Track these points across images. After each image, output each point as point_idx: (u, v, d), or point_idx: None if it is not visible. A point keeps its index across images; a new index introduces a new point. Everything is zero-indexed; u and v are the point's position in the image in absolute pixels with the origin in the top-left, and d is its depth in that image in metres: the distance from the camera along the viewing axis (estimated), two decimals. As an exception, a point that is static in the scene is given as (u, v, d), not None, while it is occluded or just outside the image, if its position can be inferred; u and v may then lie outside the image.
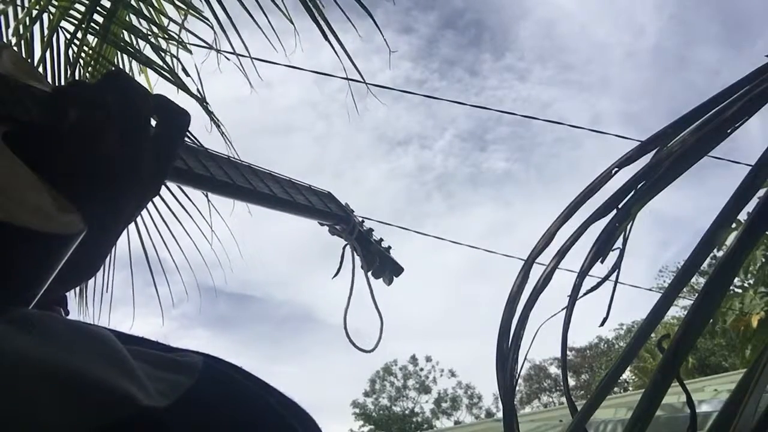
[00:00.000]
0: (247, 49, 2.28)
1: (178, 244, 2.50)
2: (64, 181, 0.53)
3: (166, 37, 2.47)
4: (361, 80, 2.17)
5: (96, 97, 0.59)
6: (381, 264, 1.16)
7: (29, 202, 0.47)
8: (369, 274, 1.14)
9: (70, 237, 0.47)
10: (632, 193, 0.93)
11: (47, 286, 0.48)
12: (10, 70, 0.61)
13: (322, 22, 2.06)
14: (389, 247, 1.20)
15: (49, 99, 0.58)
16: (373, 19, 1.99)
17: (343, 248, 1.12)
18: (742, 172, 0.74)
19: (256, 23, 2.16)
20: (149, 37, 2.46)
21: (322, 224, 1.09)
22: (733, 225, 0.77)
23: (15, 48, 2.23)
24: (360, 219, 1.14)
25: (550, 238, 1.00)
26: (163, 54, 2.47)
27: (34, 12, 2.32)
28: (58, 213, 0.48)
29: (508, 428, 0.93)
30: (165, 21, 2.48)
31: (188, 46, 2.44)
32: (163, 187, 0.67)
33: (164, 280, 2.53)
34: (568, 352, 0.98)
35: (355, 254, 1.12)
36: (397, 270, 1.19)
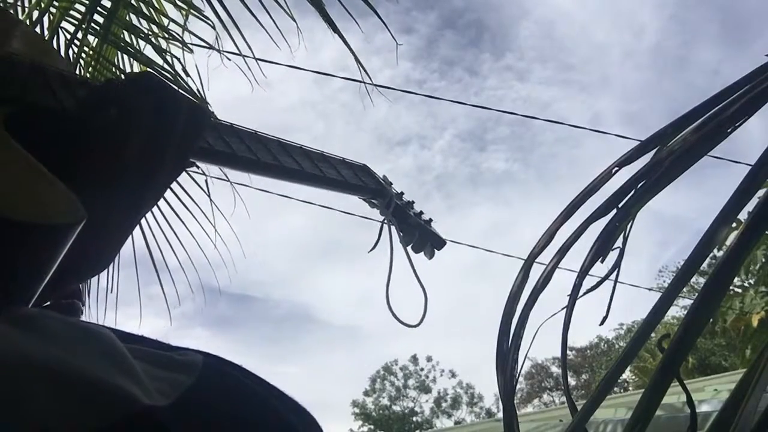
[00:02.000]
0: (250, 49, 2.29)
1: (181, 243, 2.51)
2: (79, 167, 0.53)
3: (167, 37, 2.47)
4: (364, 79, 2.17)
5: (121, 94, 0.58)
6: (421, 237, 1.11)
7: (23, 193, 0.46)
8: (409, 248, 1.10)
9: (69, 227, 0.46)
10: (632, 192, 0.93)
11: (63, 277, 0.48)
12: (19, 49, 0.60)
13: (326, 18, 2.06)
14: (430, 220, 1.15)
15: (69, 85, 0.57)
16: (379, 16, 1.99)
17: (381, 222, 1.08)
18: (742, 172, 0.74)
19: (259, 22, 2.17)
20: (150, 37, 2.46)
21: (361, 198, 1.06)
22: (734, 225, 0.77)
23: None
24: (398, 191, 1.11)
25: (550, 238, 1.00)
26: (163, 54, 2.47)
27: (35, 13, 2.32)
28: (53, 202, 0.46)
29: (508, 428, 0.93)
30: (165, 21, 2.48)
31: (189, 45, 2.44)
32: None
33: (166, 280, 2.54)
34: (568, 352, 0.99)
35: (392, 228, 1.08)
36: (439, 243, 1.14)
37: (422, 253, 1.13)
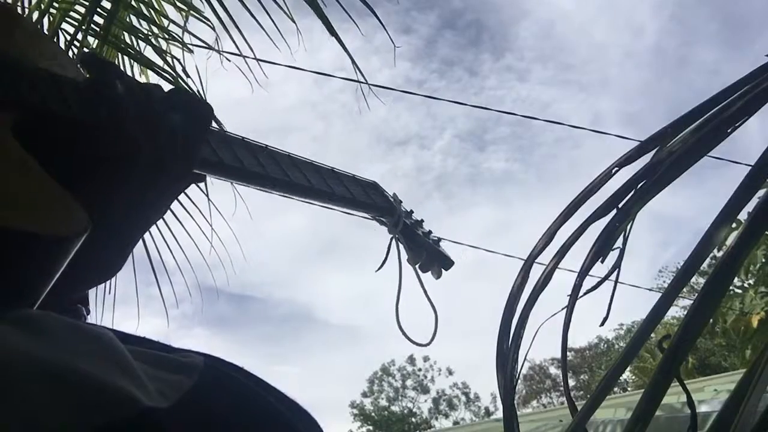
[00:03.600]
0: (251, 49, 2.29)
1: (179, 244, 2.51)
2: (86, 174, 0.53)
3: (167, 38, 2.47)
4: (363, 80, 2.17)
5: (121, 95, 0.58)
6: (429, 257, 1.11)
7: (30, 203, 0.46)
8: (417, 267, 1.10)
9: (72, 238, 0.46)
10: (632, 193, 0.93)
11: (68, 285, 0.48)
12: (24, 50, 0.59)
13: (323, 20, 2.06)
14: (439, 239, 1.15)
15: (73, 89, 0.56)
16: (377, 17, 1.99)
17: (390, 241, 1.08)
18: (742, 172, 0.74)
19: (258, 23, 2.17)
20: (150, 38, 2.46)
21: (369, 216, 1.06)
22: (734, 225, 0.77)
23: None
24: (407, 210, 1.11)
25: (550, 238, 1.00)
26: (163, 55, 2.47)
27: (35, 14, 2.32)
28: (60, 214, 0.47)
29: (509, 428, 0.93)
30: (165, 22, 2.48)
31: (189, 46, 2.44)
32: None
33: (165, 280, 2.54)
34: (567, 353, 0.99)
35: (401, 247, 1.08)
36: (447, 263, 1.13)
37: (429, 272, 1.12)
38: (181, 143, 0.60)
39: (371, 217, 1.06)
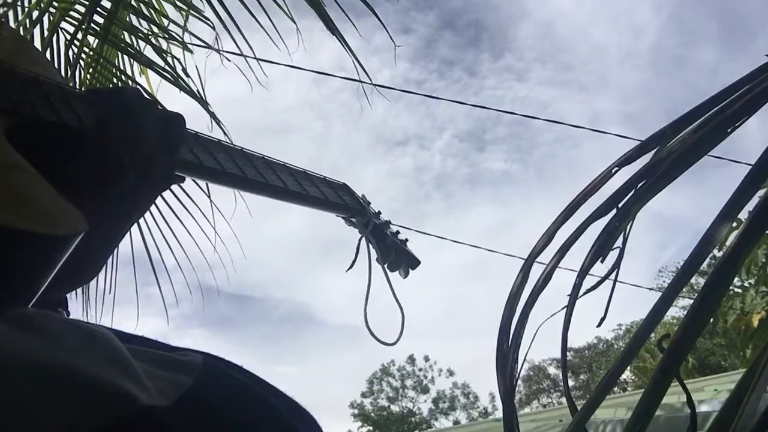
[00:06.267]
0: (251, 48, 2.29)
1: (180, 243, 2.51)
2: (72, 180, 0.53)
3: (167, 37, 2.47)
4: (363, 79, 2.17)
5: (109, 105, 0.59)
6: (397, 257, 1.14)
7: (29, 203, 0.46)
8: (385, 266, 1.12)
9: (70, 238, 0.47)
10: (632, 192, 0.93)
11: (50, 287, 0.48)
12: (15, 59, 0.60)
13: (324, 19, 2.06)
14: (406, 240, 1.18)
15: (64, 97, 0.58)
16: (377, 16, 1.99)
17: (359, 241, 1.11)
18: (742, 172, 0.74)
19: (258, 22, 2.17)
20: (150, 37, 2.46)
21: (338, 216, 1.08)
22: (734, 225, 0.77)
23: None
24: (376, 211, 1.13)
25: (550, 238, 1.00)
26: (163, 55, 2.46)
27: (35, 13, 2.32)
28: (58, 214, 0.47)
29: (508, 428, 0.93)
30: (165, 21, 2.48)
31: (189, 46, 2.44)
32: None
33: (165, 280, 2.54)
34: (567, 352, 0.98)
35: (370, 247, 1.11)
36: (414, 262, 1.17)
37: (397, 271, 1.15)
38: (162, 153, 0.61)
39: (342, 218, 1.08)
